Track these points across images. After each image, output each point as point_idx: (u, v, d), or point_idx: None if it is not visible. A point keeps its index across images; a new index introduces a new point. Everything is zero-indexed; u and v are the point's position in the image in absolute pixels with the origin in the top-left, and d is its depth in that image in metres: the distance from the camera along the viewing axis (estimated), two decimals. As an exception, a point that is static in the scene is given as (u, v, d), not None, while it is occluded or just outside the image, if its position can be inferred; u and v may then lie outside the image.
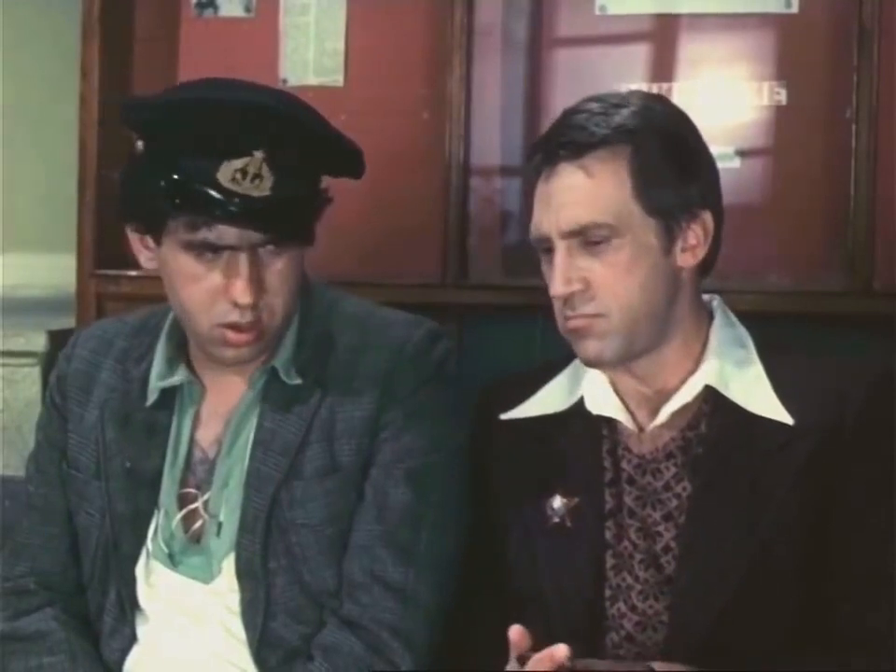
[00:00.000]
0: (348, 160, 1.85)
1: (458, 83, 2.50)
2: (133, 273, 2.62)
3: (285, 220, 1.77)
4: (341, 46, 2.60)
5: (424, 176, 2.53)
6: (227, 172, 1.72)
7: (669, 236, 1.74)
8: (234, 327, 1.78)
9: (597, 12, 2.51)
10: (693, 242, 1.76)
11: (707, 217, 1.76)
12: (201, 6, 2.67)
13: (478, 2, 2.52)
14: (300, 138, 1.77)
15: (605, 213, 1.72)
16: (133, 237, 1.84)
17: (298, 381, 1.85)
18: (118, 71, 2.67)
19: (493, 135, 2.55)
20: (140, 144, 1.78)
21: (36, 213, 3.10)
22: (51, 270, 2.98)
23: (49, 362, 2.62)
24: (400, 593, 1.80)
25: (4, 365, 2.71)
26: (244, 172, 1.72)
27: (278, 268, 1.79)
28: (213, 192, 1.72)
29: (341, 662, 1.79)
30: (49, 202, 3.02)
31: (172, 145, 1.73)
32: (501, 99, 2.55)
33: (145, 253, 1.84)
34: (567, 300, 1.74)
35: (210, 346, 1.82)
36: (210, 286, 1.77)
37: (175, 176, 1.73)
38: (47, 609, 1.94)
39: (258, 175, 1.73)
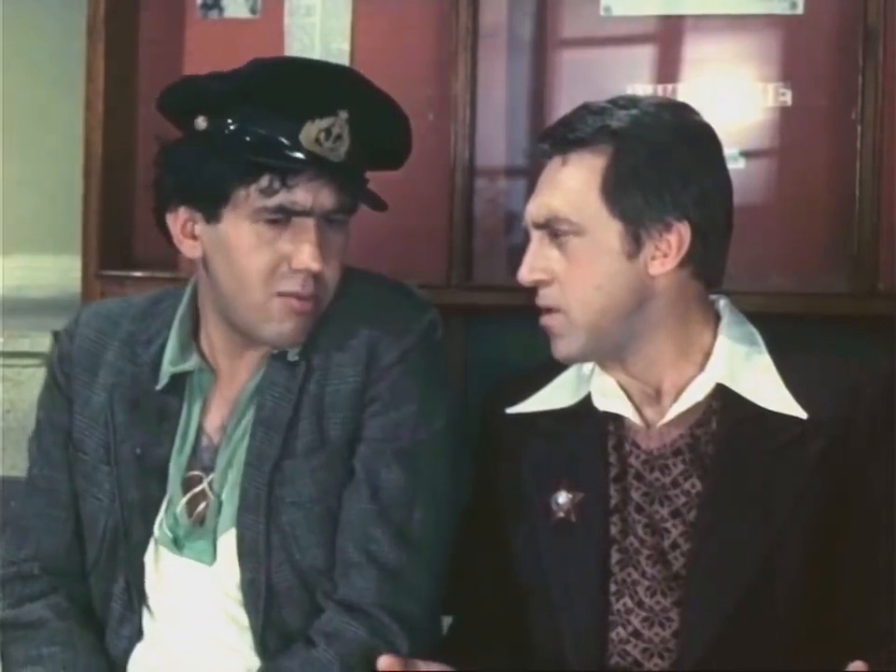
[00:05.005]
0: (400, 138, 1.89)
1: (463, 84, 2.50)
2: (138, 273, 2.63)
3: (359, 185, 1.81)
4: (346, 47, 2.60)
5: (429, 177, 2.53)
6: (310, 131, 1.75)
7: (636, 242, 1.75)
8: (296, 296, 1.79)
9: (602, 13, 2.50)
10: (664, 251, 1.76)
11: (684, 229, 1.75)
12: (206, 7, 2.67)
13: (483, 3, 2.52)
14: (374, 104, 1.81)
15: (569, 208, 1.75)
16: (176, 225, 1.85)
17: (296, 357, 1.86)
18: (122, 72, 2.66)
19: (498, 137, 2.55)
20: (201, 120, 1.79)
21: (41, 214, 3.09)
22: (56, 271, 2.98)
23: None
24: (395, 574, 1.81)
25: (9, 366, 2.72)
26: (328, 132, 1.76)
27: (337, 242, 1.82)
28: (296, 152, 1.75)
29: (345, 648, 1.79)
30: (53, 203, 3.02)
31: (251, 109, 1.76)
32: (506, 100, 2.55)
33: (187, 242, 1.85)
34: (535, 288, 1.79)
35: (263, 323, 1.81)
36: (276, 253, 1.78)
37: (257, 138, 1.75)
38: (50, 596, 1.94)
39: (339, 137, 1.77)
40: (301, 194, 1.77)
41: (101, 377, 1.94)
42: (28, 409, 2.68)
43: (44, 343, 2.71)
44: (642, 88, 2.44)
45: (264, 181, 1.76)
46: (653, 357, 1.80)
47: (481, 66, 2.52)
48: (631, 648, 1.75)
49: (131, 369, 1.93)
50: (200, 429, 1.90)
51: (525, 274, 1.79)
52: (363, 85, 1.82)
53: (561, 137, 1.79)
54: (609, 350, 1.80)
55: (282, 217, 1.78)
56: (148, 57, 2.70)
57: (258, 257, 1.78)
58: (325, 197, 1.78)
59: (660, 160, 1.75)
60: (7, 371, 2.71)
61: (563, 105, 2.46)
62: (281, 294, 1.79)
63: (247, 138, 1.76)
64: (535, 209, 1.79)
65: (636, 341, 1.79)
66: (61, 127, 2.92)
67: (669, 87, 2.47)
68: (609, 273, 1.75)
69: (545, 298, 1.79)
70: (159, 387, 1.90)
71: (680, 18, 2.49)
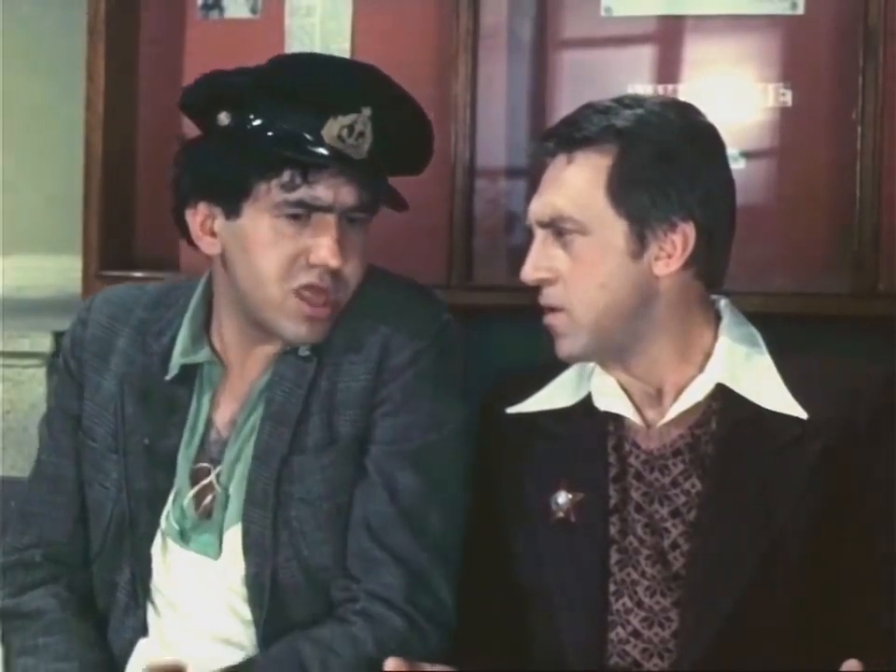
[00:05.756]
0: (422, 140, 1.90)
1: (464, 85, 2.50)
2: (139, 273, 2.63)
3: (380, 184, 1.82)
4: (346, 47, 2.60)
5: (429, 177, 2.52)
6: (333, 128, 1.76)
7: (641, 242, 1.75)
8: (312, 289, 1.79)
9: (603, 14, 2.51)
10: (669, 252, 1.76)
11: (689, 229, 1.75)
12: (206, 7, 2.67)
13: (483, 4, 2.52)
14: (397, 103, 1.83)
15: (574, 207, 1.75)
16: (195, 222, 1.85)
17: (307, 353, 1.86)
18: (123, 72, 2.67)
19: (498, 137, 2.55)
20: (223, 116, 1.79)
21: (41, 214, 3.09)
22: (57, 271, 2.98)
23: (54, 364, 2.62)
24: (419, 575, 1.81)
25: (9, 366, 2.71)
26: (350, 128, 1.76)
27: (357, 240, 1.82)
28: (319, 148, 1.75)
29: (381, 633, 1.78)
30: (54, 203, 3.02)
31: (274, 104, 1.77)
32: (507, 100, 2.55)
33: (206, 239, 1.85)
34: (538, 287, 1.78)
35: (281, 321, 1.81)
36: (295, 248, 1.78)
37: (279, 133, 1.76)
38: (50, 585, 1.94)
39: (362, 133, 1.77)
40: (322, 190, 1.77)
41: (112, 364, 1.94)
42: (28, 409, 2.69)
43: (44, 343, 2.70)
44: (643, 88, 2.44)
45: (286, 176, 1.77)
46: (655, 357, 1.80)
47: (481, 67, 2.52)
48: (630, 648, 1.76)
49: (141, 359, 1.92)
50: (209, 422, 1.90)
51: (529, 273, 1.79)
52: (386, 83, 1.83)
53: (566, 136, 1.78)
54: (612, 350, 1.80)
55: (302, 213, 1.78)
56: (149, 57, 2.71)
57: (276, 250, 1.79)
58: (346, 194, 1.79)
59: (666, 159, 1.75)
60: (6, 372, 2.71)
61: (563, 105, 2.46)
62: (298, 290, 1.79)
63: (270, 132, 1.77)
64: (539, 208, 1.79)
65: (638, 341, 1.79)
66: (61, 127, 2.92)
67: (670, 87, 2.47)
68: (613, 272, 1.75)
69: (549, 297, 1.79)
70: (168, 378, 1.90)
71: (681, 18, 2.49)
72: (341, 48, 2.60)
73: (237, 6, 2.66)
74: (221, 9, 2.66)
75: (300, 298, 1.80)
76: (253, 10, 2.65)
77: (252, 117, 1.78)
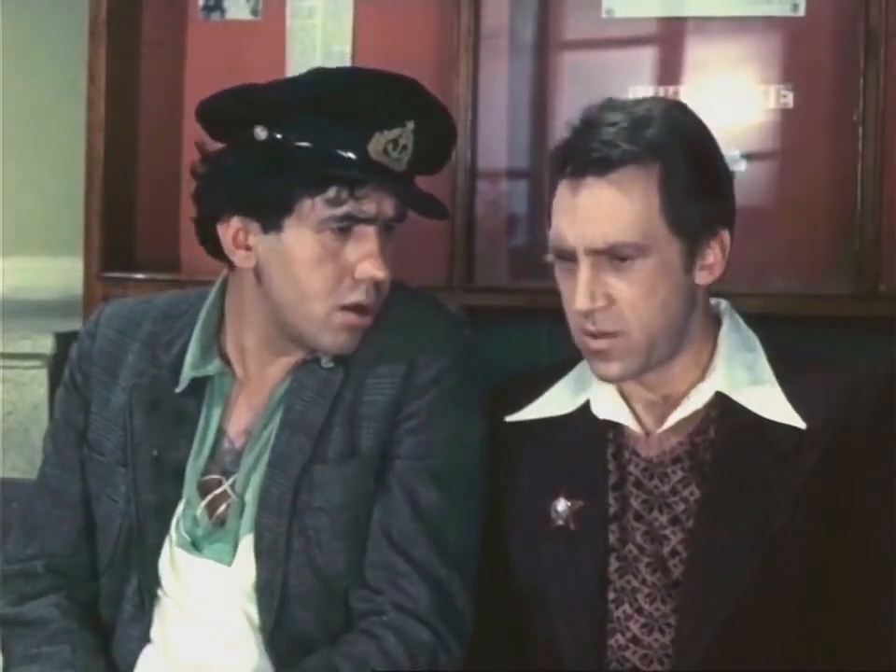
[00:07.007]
0: (448, 150, 1.91)
1: (465, 86, 2.50)
2: (140, 275, 2.63)
3: (419, 193, 1.83)
4: (347, 49, 2.60)
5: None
6: (379, 142, 1.75)
7: (691, 255, 1.73)
8: (357, 308, 1.80)
9: (604, 15, 2.51)
10: (711, 261, 1.75)
11: (726, 235, 1.75)
12: (207, 8, 2.68)
13: (485, 5, 2.53)
14: (435, 116, 1.82)
15: (633, 231, 1.70)
16: (227, 234, 1.83)
17: (330, 364, 1.85)
18: (124, 74, 2.68)
19: (499, 138, 2.56)
20: (259, 130, 1.77)
21: (43, 215, 3.10)
22: (58, 272, 2.99)
23: (55, 364, 2.62)
24: (441, 588, 1.80)
25: (11, 367, 2.71)
26: (395, 142, 1.76)
27: (389, 249, 1.83)
28: (364, 163, 1.75)
29: (415, 649, 1.77)
30: (55, 204, 3.02)
31: (318, 120, 1.75)
32: (508, 102, 2.55)
33: (239, 253, 1.83)
34: (589, 314, 1.72)
35: (321, 333, 1.81)
36: (339, 266, 1.78)
37: (325, 150, 1.75)
38: (51, 594, 1.93)
39: (405, 147, 1.78)
40: (368, 204, 1.77)
41: (121, 379, 1.93)
42: (30, 410, 2.69)
43: (45, 344, 2.70)
44: (644, 90, 2.45)
45: (331, 192, 1.76)
46: (676, 368, 1.78)
47: (482, 68, 2.53)
48: (630, 654, 1.75)
49: (151, 371, 1.91)
50: (220, 433, 1.89)
51: (587, 303, 1.71)
52: (427, 97, 1.83)
53: (610, 159, 1.70)
54: (654, 367, 1.77)
55: (346, 226, 1.78)
56: (150, 58, 2.71)
57: (321, 270, 1.78)
58: (387, 205, 1.79)
59: (703, 166, 1.73)
60: (8, 373, 2.71)
61: (564, 107, 2.47)
62: (344, 307, 1.79)
63: (315, 149, 1.76)
64: (587, 235, 1.71)
65: (672, 354, 1.77)
66: (62, 128, 2.92)
67: (671, 89, 2.48)
68: (671, 290, 1.72)
69: (603, 322, 1.72)
70: (178, 390, 1.89)
71: (682, 20, 2.49)
72: (342, 49, 2.60)
73: (238, 7, 2.66)
74: (222, 11, 2.67)
75: (345, 310, 1.80)
76: (254, 12, 2.65)
77: (294, 133, 1.76)
